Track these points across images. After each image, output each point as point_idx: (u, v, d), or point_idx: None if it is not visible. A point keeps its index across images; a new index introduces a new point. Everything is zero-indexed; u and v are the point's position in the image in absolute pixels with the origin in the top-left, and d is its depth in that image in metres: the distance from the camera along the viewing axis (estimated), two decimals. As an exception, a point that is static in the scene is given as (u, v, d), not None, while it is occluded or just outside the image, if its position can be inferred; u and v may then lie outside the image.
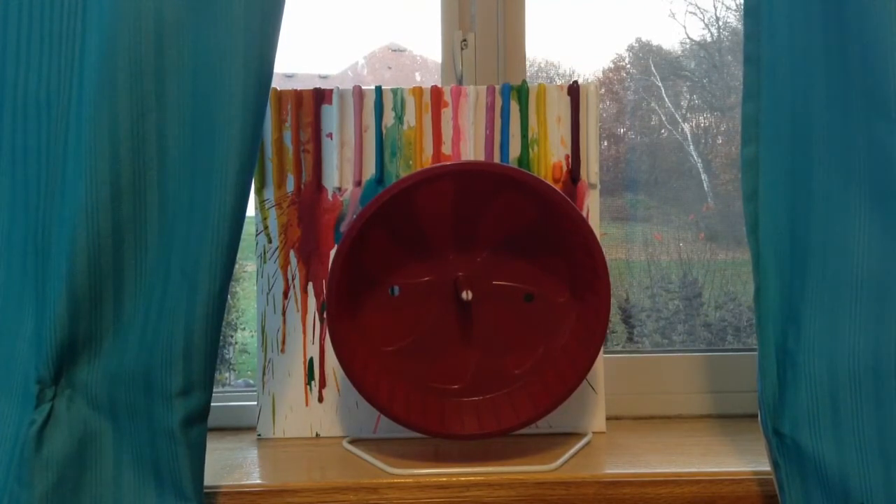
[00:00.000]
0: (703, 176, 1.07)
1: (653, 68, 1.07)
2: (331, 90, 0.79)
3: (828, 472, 0.58)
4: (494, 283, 0.73)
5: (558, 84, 0.79)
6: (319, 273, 0.78)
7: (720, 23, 1.08)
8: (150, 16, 0.58)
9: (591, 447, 0.74)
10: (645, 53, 1.08)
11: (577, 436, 0.76)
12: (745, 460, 0.69)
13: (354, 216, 0.73)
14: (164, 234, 0.60)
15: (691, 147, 1.07)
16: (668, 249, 1.07)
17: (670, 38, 1.08)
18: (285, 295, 0.78)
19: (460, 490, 0.64)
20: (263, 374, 0.78)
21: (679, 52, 1.09)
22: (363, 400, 0.70)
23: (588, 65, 1.06)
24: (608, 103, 1.08)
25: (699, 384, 0.87)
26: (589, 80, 0.81)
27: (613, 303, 0.98)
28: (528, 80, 0.86)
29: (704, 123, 1.11)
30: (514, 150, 0.79)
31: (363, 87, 0.79)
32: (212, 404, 0.61)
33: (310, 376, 0.78)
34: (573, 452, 0.70)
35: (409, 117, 0.79)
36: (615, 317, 1.04)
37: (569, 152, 0.79)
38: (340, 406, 0.78)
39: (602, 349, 0.74)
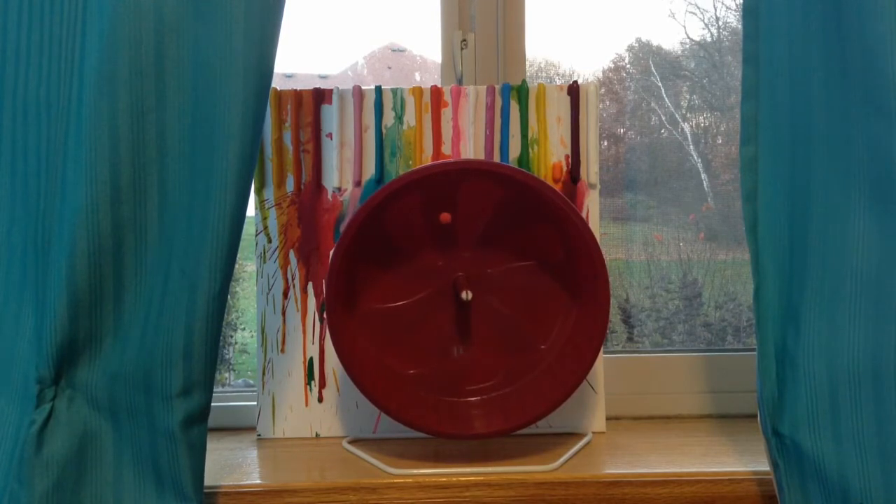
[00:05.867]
0: (703, 176, 1.07)
1: (653, 68, 1.07)
2: (331, 90, 0.79)
3: (827, 472, 0.58)
4: (489, 271, 0.73)
5: (558, 84, 0.79)
6: (319, 273, 0.78)
7: (720, 23, 1.08)
8: (150, 16, 0.58)
9: (591, 447, 0.74)
10: (645, 53, 1.08)
11: (577, 436, 0.76)
12: (745, 460, 0.69)
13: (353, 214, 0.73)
14: (164, 234, 0.60)
15: (691, 147, 1.07)
16: (668, 249, 1.07)
17: (670, 38, 1.08)
18: (285, 295, 0.78)
19: (460, 490, 0.64)
20: (263, 374, 0.78)
21: (679, 52, 1.09)
22: (363, 400, 0.70)
23: (588, 65, 1.06)
24: (608, 103, 1.08)
25: (699, 384, 0.87)
26: (589, 80, 0.81)
27: (613, 303, 0.98)
28: (527, 80, 0.86)
29: (704, 123, 1.11)
30: (514, 150, 0.79)
31: (363, 87, 0.79)
32: (212, 404, 0.61)
33: (310, 376, 0.78)
34: (573, 452, 0.71)
35: (409, 117, 0.79)
36: (615, 317, 1.04)
37: (569, 152, 0.79)
38: (340, 406, 0.78)
39: (602, 349, 0.74)
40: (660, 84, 1.08)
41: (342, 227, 0.78)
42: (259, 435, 0.78)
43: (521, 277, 0.73)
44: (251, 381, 1.02)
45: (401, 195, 0.68)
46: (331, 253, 0.76)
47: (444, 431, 0.70)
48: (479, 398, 0.73)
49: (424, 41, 1.04)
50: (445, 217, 0.69)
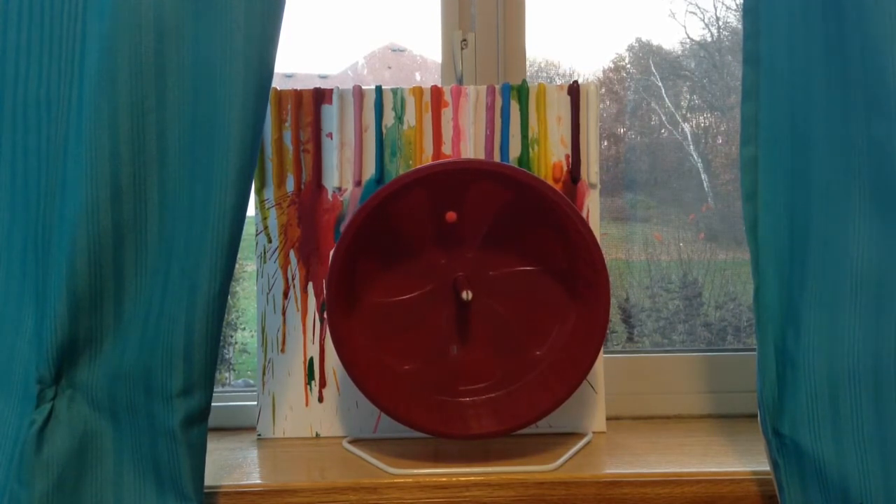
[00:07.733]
0: (703, 176, 1.07)
1: (653, 68, 1.07)
2: (331, 90, 0.79)
3: (827, 471, 0.58)
4: (491, 273, 0.73)
5: (558, 84, 0.79)
6: (319, 273, 0.78)
7: (720, 23, 1.08)
8: (150, 16, 0.58)
9: (591, 447, 0.74)
10: (645, 53, 1.08)
11: (577, 436, 0.76)
12: (745, 460, 0.69)
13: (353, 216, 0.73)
14: (165, 234, 0.60)
15: (691, 147, 1.07)
16: (668, 249, 1.07)
17: (670, 38, 1.08)
18: (285, 295, 0.78)
19: (460, 490, 0.64)
20: (263, 374, 0.78)
21: (679, 52, 1.09)
22: (363, 400, 0.70)
23: (588, 65, 1.06)
24: (608, 103, 1.08)
25: (699, 384, 0.87)
26: (589, 80, 0.81)
27: (613, 303, 0.98)
28: (528, 79, 0.86)
29: (704, 123, 1.11)
30: (514, 149, 0.79)
31: (363, 87, 0.79)
32: (212, 404, 0.61)
33: (310, 376, 0.78)
34: (573, 452, 0.71)
35: (409, 117, 0.79)
36: (615, 317, 1.04)
37: (569, 152, 0.79)
38: (340, 406, 0.78)
39: (602, 349, 0.74)
40: (660, 84, 1.08)
41: (342, 227, 0.78)
42: (259, 435, 0.78)
43: (522, 281, 0.73)
44: (251, 381, 1.02)
45: (401, 195, 0.68)
46: (331, 253, 0.76)
47: (443, 431, 0.70)
48: (479, 398, 0.73)
49: (424, 41, 1.04)
50: (451, 216, 0.69)
